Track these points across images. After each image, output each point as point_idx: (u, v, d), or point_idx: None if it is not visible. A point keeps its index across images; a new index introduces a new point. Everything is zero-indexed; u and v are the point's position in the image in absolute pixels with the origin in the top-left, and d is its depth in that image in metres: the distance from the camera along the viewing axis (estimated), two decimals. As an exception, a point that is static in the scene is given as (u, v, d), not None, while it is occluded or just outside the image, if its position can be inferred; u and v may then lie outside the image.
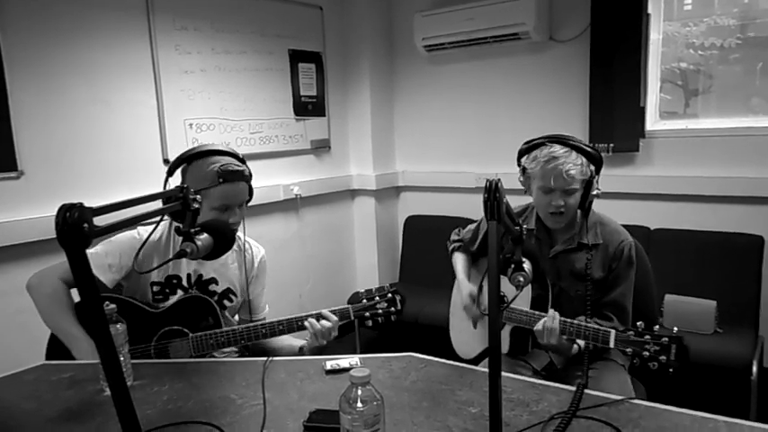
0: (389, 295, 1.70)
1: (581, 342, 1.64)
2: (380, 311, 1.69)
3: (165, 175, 1.63)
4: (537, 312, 1.71)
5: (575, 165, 1.66)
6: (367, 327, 1.73)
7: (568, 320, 1.60)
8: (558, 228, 1.80)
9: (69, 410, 1.32)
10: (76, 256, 0.83)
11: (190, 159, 1.70)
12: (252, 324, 1.69)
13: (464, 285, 1.96)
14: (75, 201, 0.86)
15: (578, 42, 3.19)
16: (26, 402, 1.38)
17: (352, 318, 1.69)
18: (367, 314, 1.69)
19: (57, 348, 1.65)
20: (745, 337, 2.57)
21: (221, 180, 1.66)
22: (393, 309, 1.69)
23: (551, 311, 1.62)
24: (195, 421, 1.24)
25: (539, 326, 1.62)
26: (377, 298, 1.70)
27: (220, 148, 1.75)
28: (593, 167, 1.71)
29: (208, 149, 1.73)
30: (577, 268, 1.78)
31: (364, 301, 1.70)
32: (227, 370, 1.52)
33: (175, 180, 1.67)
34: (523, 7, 3.13)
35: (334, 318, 1.67)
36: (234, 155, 1.74)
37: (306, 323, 1.66)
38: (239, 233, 1.79)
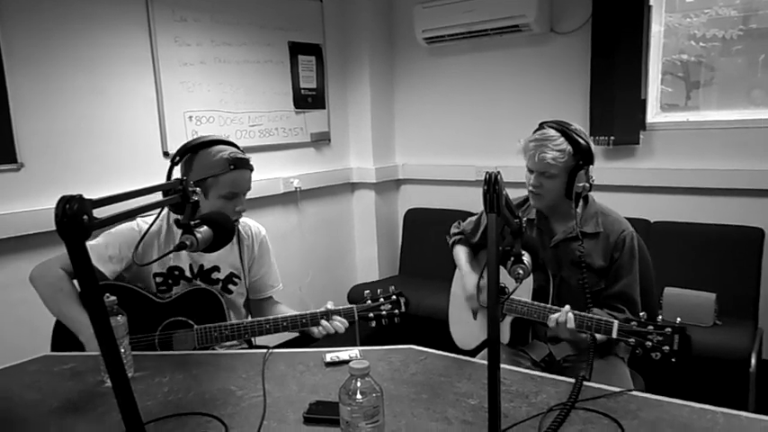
0: (394, 297, 1.72)
1: (598, 336, 1.64)
2: (384, 313, 1.71)
3: (169, 165, 1.61)
4: (538, 303, 1.71)
5: (553, 151, 1.68)
6: (369, 325, 1.74)
7: (573, 311, 1.60)
8: (538, 207, 1.83)
9: (71, 401, 1.33)
10: (76, 247, 0.83)
11: (195, 149, 1.71)
12: (256, 319, 1.70)
13: (469, 278, 1.97)
14: (74, 192, 0.86)
15: (579, 34, 3.17)
16: (28, 393, 1.38)
17: (356, 318, 1.71)
18: (371, 314, 1.71)
19: (62, 338, 1.66)
20: (745, 330, 2.57)
21: (232, 167, 1.68)
22: (397, 311, 1.71)
23: (567, 307, 1.61)
24: (196, 413, 1.25)
25: (551, 322, 1.62)
26: (381, 299, 1.71)
27: (224, 138, 1.77)
28: (580, 160, 1.71)
29: (214, 139, 1.75)
30: (578, 257, 1.78)
31: (369, 301, 1.72)
32: (228, 362, 1.53)
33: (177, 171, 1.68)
34: (524, -1, 3.12)
35: (345, 323, 1.70)
36: (237, 146, 1.76)
37: (319, 328, 1.68)
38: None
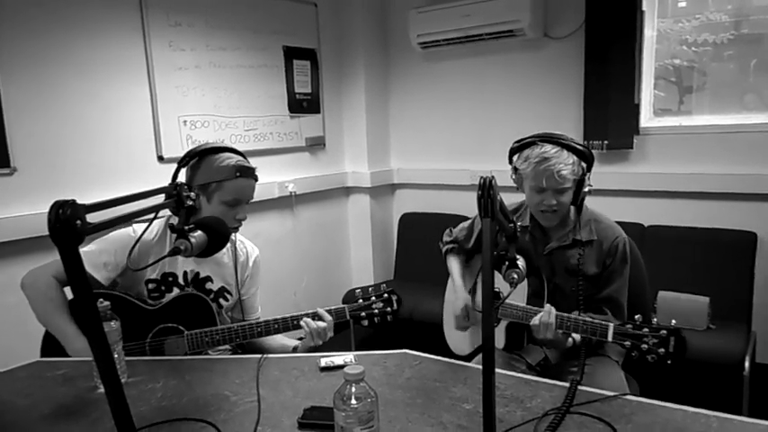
0: (386, 295, 1.71)
1: (576, 336, 1.65)
2: (376, 311, 1.70)
3: (176, 167, 1.59)
4: (533, 308, 1.71)
5: (566, 165, 1.66)
6: (362, 326, 1.73)
7: (566, 315, 1.61)
8: (551, 225, 1.81)
9: (63, 407, 1.32)
10: (69, 253, 0.83)
11: (203, 154, 1.71)
12: (247, 322, 1.69)
13: (460, 294, 1.96)
14: (68, 197, 0.85)
15: (573, 39, 3.19)
16: (20, 399, 1.37)
17: (348, 317, 1.70)
18: (363, 314, 1.70)
19: (52, 345, 1.65)
20: (738, 333, 2.58)
21: (238, 174, 1.68)
22: (389, 309, 1.70)
23: (547, 306, 1.62)
24: (189, 418, 1.24)
25: (535, 321, 1.63)
26: (373, 298, 1.71)
27: (231, 146, 1.78)
28: (584, 165, 1.71)
29: (222, 146, 1.75)
30: (571, 264, 1.79)
31: (360, 300, 1.71)
32: (222, 367, 1.52)
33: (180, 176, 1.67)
34: (518, 4, 3.13)
35: (330, 318, 1.68)
36: (244, 156, 1.77)
37: (302, 322, 1.66)
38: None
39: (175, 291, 1.77)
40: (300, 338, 1.73)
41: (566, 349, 1.72)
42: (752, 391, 2.43)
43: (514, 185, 1.85)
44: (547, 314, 1.60)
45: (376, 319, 1.70)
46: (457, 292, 1.97)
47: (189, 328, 1.68)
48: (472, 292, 2.00)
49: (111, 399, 0.86)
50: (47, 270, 1.66)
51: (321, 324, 1.65)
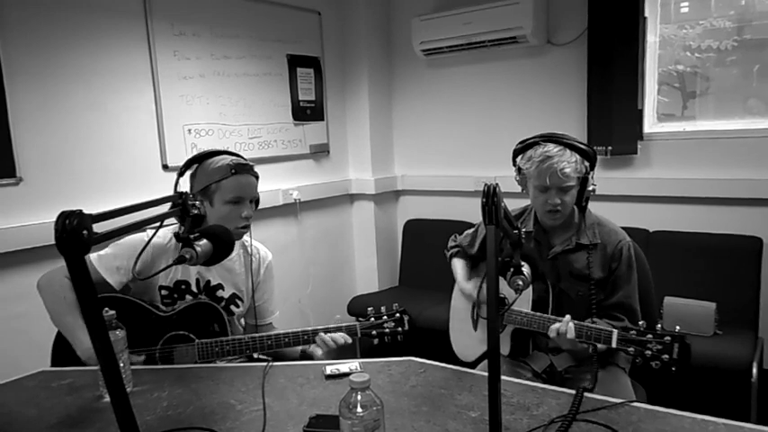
0: (397, 315, 1.72)
1: (599, 345, 1.64)
2: (387, 330, 1.71)
3: (175, 177, 1.63)
4: (537, 314, 1.71)
5: (569, 163, 1.68)
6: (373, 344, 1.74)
7: (575, 322, 1.60)
8: (556, 224, 1.81)
9: (69, 417, 1.32)
10: (76, 262, 0.83)
11: (200, 159, 1.74)
12: (258, 335, 1.70)
13: (464, 287, 1.98)
14: (74, 207, 0.86)
15: (576, 46, 3.20)
16: (26, 408, 1.38)
17: (359, 335, 1.71)
18: (374, 332, 1.71)
19: (62, 353, 1.65)
20: (745, 339, 2.57)
21: (234, 171, 1.70)
22: (400, 328, 1.71)
23: (567, 317, 1.61)
24: (195, 427, 1.24)
25: (552, 332, 1.62)
26: (384, 317, 1.72)
27: (227, 149, 1.81)
28: (587, 164, 1.72)
29: (217, 150, 1.79)
30: (576, 269, 1.79)
31: (372, 318, 1.73)
32: (227, 375, 1.52)
33: (184, 183, 1.69)
34: (521, 11, 3.14)
35: (350, 339, 1.69)
36: (242, 157, 1.79)
37: (318, 339, 1.67)
38: (246, 237, 1.81)
39: (188, 298, 1.78)
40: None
41: (585, 357, 1.71)
42: (760, 397, 2.41)
43: (518, 191, 1.85)
44: (564, 324, 1.60)
45: (387, 338, 1.72)
46: (460, 286, 1.98)
47: (200, 337, 1.69)
48: (477, 294, 2.00)
49: (117, 408, 0.86)
50: (62, 271, 1.67)
51: (339, 339, 1.67)
